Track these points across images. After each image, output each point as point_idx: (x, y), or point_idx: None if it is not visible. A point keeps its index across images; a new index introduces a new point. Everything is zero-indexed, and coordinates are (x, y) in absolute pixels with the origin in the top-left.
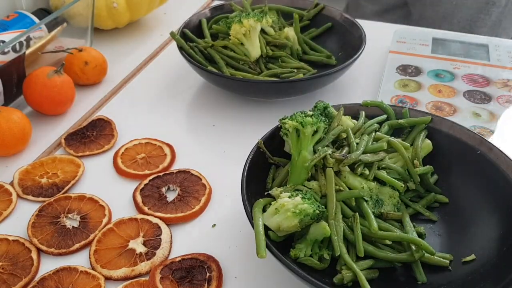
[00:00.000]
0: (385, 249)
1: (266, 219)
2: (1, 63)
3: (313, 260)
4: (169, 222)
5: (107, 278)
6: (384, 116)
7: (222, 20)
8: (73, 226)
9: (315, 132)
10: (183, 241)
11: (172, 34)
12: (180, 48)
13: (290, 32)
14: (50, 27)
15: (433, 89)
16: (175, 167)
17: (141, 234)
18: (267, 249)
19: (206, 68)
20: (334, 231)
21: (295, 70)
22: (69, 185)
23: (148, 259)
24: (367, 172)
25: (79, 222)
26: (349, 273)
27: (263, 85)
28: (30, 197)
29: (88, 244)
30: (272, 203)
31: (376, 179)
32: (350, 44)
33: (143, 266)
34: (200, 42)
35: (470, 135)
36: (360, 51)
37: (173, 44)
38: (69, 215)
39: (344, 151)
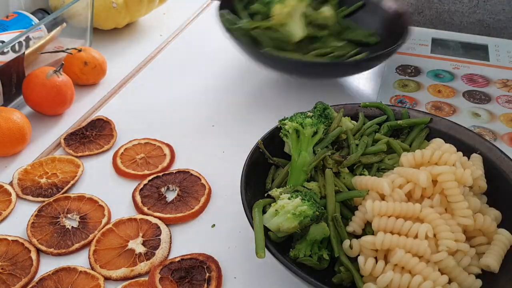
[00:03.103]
0: None
1: (266, 221)
2: (0, 63)
3: (313, 260)
4: (168, 222)
5: (107, 278)
6: (384, 117)
7: (259, 0)
8: (72, 226)
9: (315, 133)
10: (182, 241)
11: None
12: (228, 30)
13: (326, 11)
14: (50, 27)
15: (433, 89)
16: (175, 167)
17: (141, 234)
18: (266, 249)
19: (262, 50)
20: (333, 232)
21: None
22: (69, 185)
23: (147, 259)
24: (366, 173)
25: (79, 222)
26: (348, 273)
27: (325, 67)
28: (29, 197)
29: (88, 244)
30: (272, 204)
31: None
32: (391, 23)
33: (143, 266)
34: (244, 24)
35: (470, 135)
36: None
37: (172, 44)
38: (69, 215)
39: (343, 152)
